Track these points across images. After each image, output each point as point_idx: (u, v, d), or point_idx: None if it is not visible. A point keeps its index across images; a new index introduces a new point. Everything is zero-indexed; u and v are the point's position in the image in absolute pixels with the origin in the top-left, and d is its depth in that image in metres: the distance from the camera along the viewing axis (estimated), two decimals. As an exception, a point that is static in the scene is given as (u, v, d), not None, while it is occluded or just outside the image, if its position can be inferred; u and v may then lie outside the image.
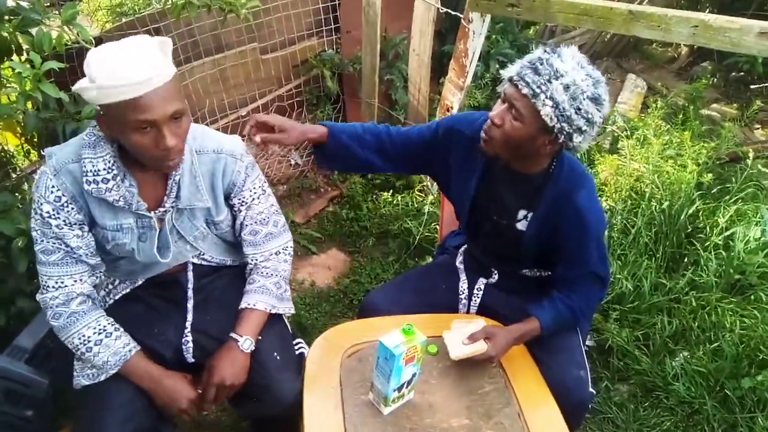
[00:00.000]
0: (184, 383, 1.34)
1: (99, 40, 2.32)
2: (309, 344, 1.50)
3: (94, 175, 1.23)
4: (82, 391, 1.35)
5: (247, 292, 1.45)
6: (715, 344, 2.20)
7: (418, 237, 2.67)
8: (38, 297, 1.33)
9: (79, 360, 1.35)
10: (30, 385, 1.50)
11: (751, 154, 3.04)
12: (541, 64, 1.25)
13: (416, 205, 2.87)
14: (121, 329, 1.34)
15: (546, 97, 1.24)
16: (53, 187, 1.23)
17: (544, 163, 1.42)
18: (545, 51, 1.28)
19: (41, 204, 1.23)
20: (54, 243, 1.26)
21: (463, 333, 1.38)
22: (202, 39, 2.64)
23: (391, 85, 3.15)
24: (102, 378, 1.31)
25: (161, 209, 1.33)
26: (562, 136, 1.28)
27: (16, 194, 1.86)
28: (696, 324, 2.28)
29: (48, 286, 1.30)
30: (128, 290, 1.46)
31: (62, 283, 1.29)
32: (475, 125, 1.48)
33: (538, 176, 1.44)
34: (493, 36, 3.31)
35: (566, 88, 1.23)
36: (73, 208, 1.25)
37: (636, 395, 2.18)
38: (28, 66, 1.48)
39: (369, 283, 2.59)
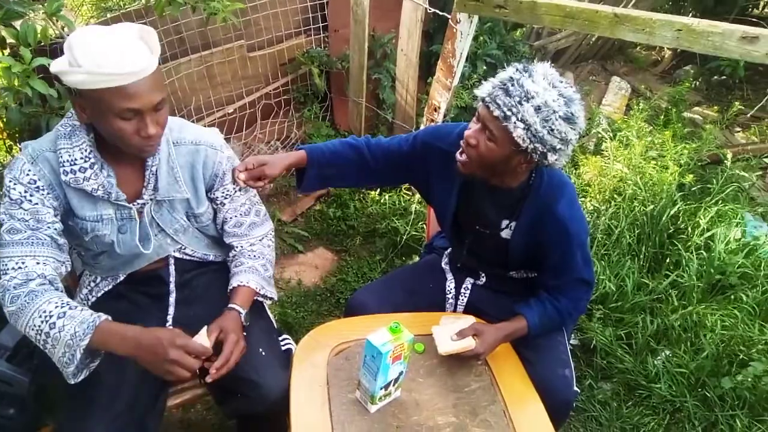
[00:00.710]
0: (166, 331, 1.22)
1: (83, 35, 2.30)
2: (295, 342, 1.50)
3: (71, 165, 1.22)
4: (65, 394, 1.31)
5: (236, 273, 1.45)
6: (697, 343, 2.24)
7: (405, 236, 2.68)
8: None
9: (45, 345, 1.19)
10: (12, 383, 1.48)
11: (729, 156, 3.10)
12: (512, 85, 1.24)
13: (403, 204, 2.88)
14: (85, 305, 1.31)
15: (517, 120, 1.23)
16: (29, 171, 1.22)
17: (522, 178, 1.43)
18: (516, 70, 1.27)
19: (14, 185, 1.21)
20: (22, 223, 1.22)
21: (451, 329, 1.40)
22: (189, 36, 2.62)
23: (379, 84, 3.16)
24: (77, 358, 1.16)
25: (140, 201, 1.33)
26: (536, 156, 1.28)
27: (-2, 190, 1.83)
28: (678, 323, 2.32)
29: (7, 269, 1.20)
30: (110, 287, 1.45)
31: (23, 263, 1.20)
32: (451, 138, 1.49)
33: (517, 189, 1.44)
34: (481, 37, 3.33)
35: (537, 109, 1.23)
36: (48, 194, 1.24)
37: (619, 393, 2.21)
38: (13, 60, 1.46)
39: (356, 281, 2.60)
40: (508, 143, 1.28)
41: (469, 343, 1.37)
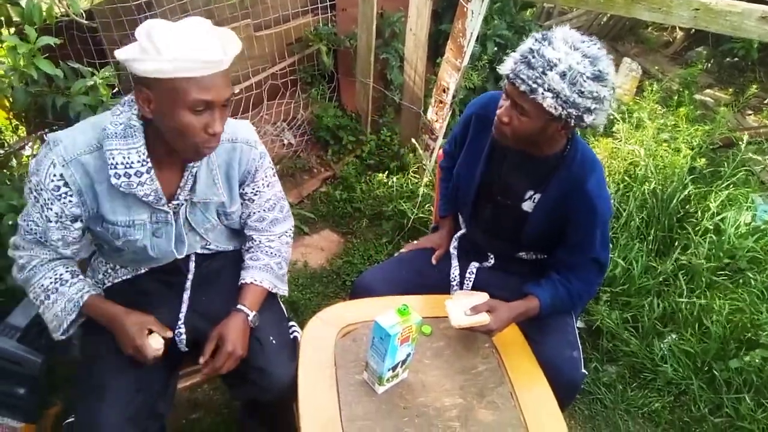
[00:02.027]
0: (134, 329, 1.26)
1: (89, 14, 2.27)
2: (301, 324, 1.50)
3: (126, 168, 1.17)
4: (79, 377, 1.33)
5: (250, 268, 1.45)
6: (704, 326, 2.24)
7: (412, 218, 2.67)
8: (10, 252, 1.32)
9: (43, 311, 1.32)
10: (23, 363, 1.50)
11: (745, 138, 3.05)
12: (533, 57, 1.23)
13: (411, 187, 2.86)
14: (80, 276, 1.32)
15: (544, 90, 1.22)
16: (55, 176, 1.17)
17: (559, 146, 1.42)
18: (536, 40, 1.25)
19: (40, 190, 1.18)
20: (35, 227, 1.24)
21: (465, 304, 1.40)
22: (195, 14, 2.58)
23: (387, 64, 3.12)
24: (65, 326, 1.29)
25: (175, 202, 1.29)
26: (573, 120, 1.27)
27: (4, 171, 1.83)
28: (685, 306, 2.32)
29: (19, 245, 1.30)
30: (128, 276, 1.43)
31: (32, 249, 1.29)
32: (483, 101, 1.55)
33: (551, 159, 1.43)
34: (491, 17, 3.27)
35: (563, 75, 1.21)
36: (71, 201, 1.20)
37: (624, 376, 2.22)
38: (19, 40, 1.44)
39: (362, 264, 2.60)
40: (541, 114, 1.27)
41: (482, 318, 1.37)
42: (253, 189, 1.41)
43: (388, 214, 2.78)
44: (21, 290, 1.61)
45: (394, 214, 2.76)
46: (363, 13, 2.80)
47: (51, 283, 1.28)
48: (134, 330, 1.26)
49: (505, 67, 1.29)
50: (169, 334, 1.31)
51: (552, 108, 1.24)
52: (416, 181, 2.90)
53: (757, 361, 2.05)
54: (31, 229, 1.25)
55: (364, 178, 2.99)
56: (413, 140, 2.97)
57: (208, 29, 1.11)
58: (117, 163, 1.16)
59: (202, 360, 1.31)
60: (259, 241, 1.49)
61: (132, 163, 1.17)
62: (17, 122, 2.20)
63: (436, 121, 2.83)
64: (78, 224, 1.26)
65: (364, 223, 2.82)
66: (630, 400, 2.13)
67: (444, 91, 2.71)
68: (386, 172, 2.97)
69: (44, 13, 1.54)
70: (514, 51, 1.31)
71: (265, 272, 1.45)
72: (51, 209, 1.20)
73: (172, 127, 1.13)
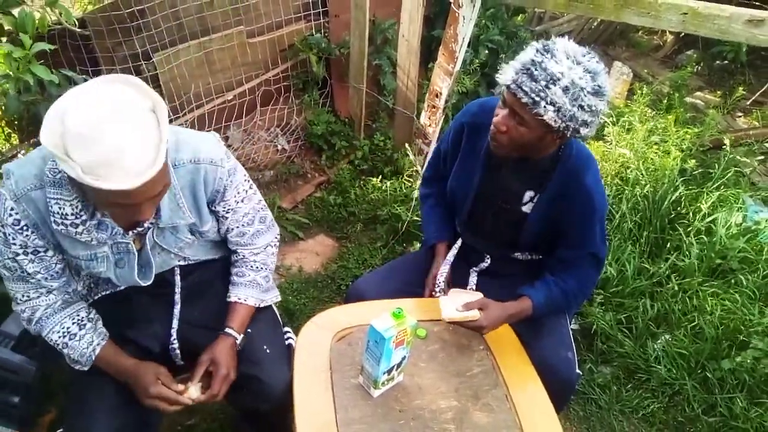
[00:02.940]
0: (150, 379, 1.25)
1: (82, 22, 2.28)
2: (296, 329, 1.51)
3: (62, 218, 1.13)
4: (70, 384, 1.33)
5: (236, 285, 1.43)
6: (696, 327, 2.26)
7: (406, 222, 2.68)
8: (13, 307, 1.29)
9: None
10: (17, 371, 1.49)
11: (728, 141, 3.08)
12: (536, 69, 1.23)
13: (405, 191, 2.87)
14: (88, 325, 1.29)
15: (546, 104, 1.23)
16: (12, 209, 1.13)
17: (553, 149, 1.43)
18: (537, 51, 1.26)
19: (2, 224, 1.14)
20: (12, 264, 1.19)
21: (458, 300, 1.41)
22: (188, 21, 2.59)
23: (380, 70, 3.13)
24: (83, 367, 1.31)
25: (139, 229, 1.23)
26: (569, 132, 1.29)
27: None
28: (678, 307, 2.34)
29: (17, 299, 1.26)
30: (109, 291, 1.40)
31: (28, 296, 1.24)
32: (473, 109, 1.55)
33: (546, 160, 1.45)
34: (483, 22, 3.30)
35: (565, 90, 1.22)
36: (33, 234, 1.16)
37: (619, 377, 2.23)
38: (12, 47, 1.45)
39: (357, 268, 2.60)
40: (540, 126, 1.28)
41: (473, 314, 1.38)
42: (225, 207, 1.35)
43: (383, 218, 2.79)
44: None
45: (389, 218, 2.77)
46: (355, 19, 2.82)
47: (59, 337, 1.27)
48: (148, 380, 1.25)
49: (506, 77, 1.29)
50: (181, 387, 1.29)
51: (552, 121, 1.25)
52: (410, 184, 2.92)
53: (748, 361, 2.07)
54: (10, 267, 1.20)
55: (358, 182, 3.00)
56: (406, 145, 2.99)
57: (137, 117, 0.99)
58: (54, 212, 1.13)
59: (193, 390, 1.29)
60: (244, 256, 1.45)
61: (66, 215, 1.13)
62: (10, 130, 2.20)
63: (429, 125, 2.85)
64: (51, 252, 1.21)
65: (359, 228, 2.83)
66: (624, 401, 2.15)
67: (437, 95, 2.73)
68: (380, 177, 2.98)
69: (36, 23, 1.55)
70: (510, 58, 1.32)
71: (251, 288, 1.43)
72: (15, 243, 1.16)
73: (97, 209, 1.13)
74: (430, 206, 1.78)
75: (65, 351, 1.29)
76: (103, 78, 1.06)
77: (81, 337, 1.28)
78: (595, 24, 4.87)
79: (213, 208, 1.35)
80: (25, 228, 1.15)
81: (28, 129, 2.05)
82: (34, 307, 1.26)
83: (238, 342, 1.37)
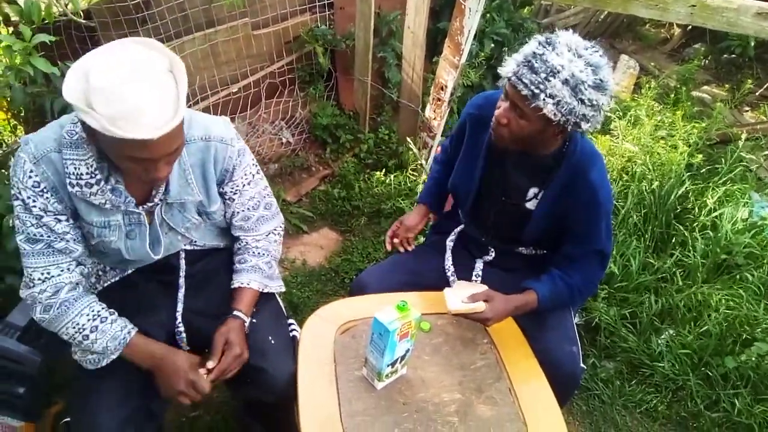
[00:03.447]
0: (186, 364, 1.26)
1: (88, 13, 2.28)
2: (300, 322, 1.51)
3: (77, 178, 1.15)
4: (74, 377, 1.33)
5: (239, 271, 1.44)
6: (701, 323, 2.25)
7: (410, 216, 2.67)
8: (24, 293, 1.24)
9: (77, 347, 1.30)
10: (23, 362, 1.50)
11: (744, 136, 3.06)
12: (537, 61, 1.23)
13: (409, 185, 2.87)
14: (116, 312, 1.30)
15: (546, 96, 1.22)
16: (32, 172, 1.14)
17: (556, 146, 1.43)
18: (539, 44, 1.25)
19: (21, 190, 1.15)
20: (37, 230, 1.18)
21: (463, 293, 1.41)
22: (193, 13, 2.59)
23: (385, 62, 3.12)
24: (104, 363, 1.27)
25: (149, 203, 1.26)
26: (570, 126, 1.28)
27: (3, 171, 1.83)
28: (682, 303, 2.33)
29: (34, 279, 1.21)
30: (118, 278, 1.42)
31: (48, 273, 1.21)
32: (479, 101, 1.56)
33: (550, 157, 1.44)
34: (489, 14, 3.28)
35: (565, 83, 1.21)
36: (52, 197, 1.17)
37: (622, 372, 2.23)
38: (15, 38, 1.44)
39: (360, 262, 2.60)
40: (540, 119, 1.28)
41: (478, 305, 1.38)
42: (233, 188, 1.38)
43: (387, 212, 2.79)
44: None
45: (393, 211, 2.77)
46: (361, 12, 2.81)
47: (89, 320, 1.24)
48: (186, 366, 1.25)
49: (507, 69, 1.29)
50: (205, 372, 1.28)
51: (551, 114, 1.24)
52: (414, 178, 2.91)
53: (753, 359, 2.06)
54: (35, 235, 1.18)
55: (363, 176, 3.00)
56: (409, 139, 2.98)
57: (157, 76, 1.03)
58: (70, 173, 1.15)
59: (210, 365, 1.28)
60: (246, 242, 1.46)
61: (81, 174, 1.15)
62: (16, 122, 2.20)
63: (434, 118, 2.84)
64: (69, 218, 1.21)
65: (363, 221, 2.83)
66: (628, 396, 2.15)
67: (442, 89, 2.72)
68: (384, 170, 2.97)
69: (43, 12, 1.54)
70: (515, 51, 1.31)
71: (253, 273, 1.43)
72: (36, 206, 1.16)
73: (115, 163, 1.13)
74: (434, 171, 1.86)
75: (91, 336, 1.24)
76: (122, 40, 1.10)
77: (113, 321, 1.26)
78: (602, 16, 4.83)
79: (221, 190, 1.38)
80: (45, 190, 1.16)
81: (34, 121, 2.05)
82: (57, 285, 1.22)
83: (246, 325, 1.37)
